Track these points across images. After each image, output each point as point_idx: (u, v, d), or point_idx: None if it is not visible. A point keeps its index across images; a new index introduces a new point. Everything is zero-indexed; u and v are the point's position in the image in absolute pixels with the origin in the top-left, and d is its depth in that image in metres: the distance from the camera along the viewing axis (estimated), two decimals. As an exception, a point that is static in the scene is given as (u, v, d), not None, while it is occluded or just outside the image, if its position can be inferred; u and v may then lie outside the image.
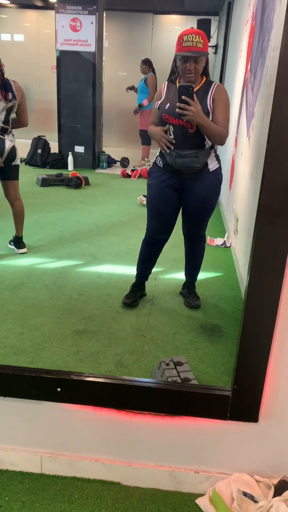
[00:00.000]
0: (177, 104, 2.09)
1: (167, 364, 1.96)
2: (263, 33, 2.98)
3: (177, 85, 2.25)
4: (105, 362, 2.14)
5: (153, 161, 2.48)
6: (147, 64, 6.85)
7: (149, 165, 7.25)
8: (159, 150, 2.40)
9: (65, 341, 2.28)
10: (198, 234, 2.60)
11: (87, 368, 2.08)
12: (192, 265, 2.71)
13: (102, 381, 1.36)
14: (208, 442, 1.41)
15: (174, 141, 2.24)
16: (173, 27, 8.56)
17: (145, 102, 6.83)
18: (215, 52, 8.16)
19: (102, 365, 2.11)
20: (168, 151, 2.26)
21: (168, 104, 2.24)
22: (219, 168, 2.41)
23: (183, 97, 2.08)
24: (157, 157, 2.44)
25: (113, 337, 2.35)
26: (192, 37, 2.10)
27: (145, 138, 6.93)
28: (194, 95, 2.09)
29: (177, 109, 2.10)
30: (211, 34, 7.74)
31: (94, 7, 6.17)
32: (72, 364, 2.11)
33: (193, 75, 2.17)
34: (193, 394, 1.35)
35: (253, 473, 1.42)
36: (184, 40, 2.11)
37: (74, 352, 2.20)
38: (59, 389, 1.35)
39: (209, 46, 7.83)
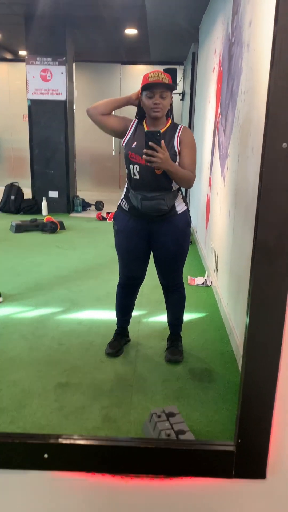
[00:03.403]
0: (144, 150, 2.03)
1: (159, 416, 1.84)
2: (231, 78, 3.08)
3: (144, 125, 2.23)
4: (91, 417, 1.99)
5: (118, 204, 2.38)
6: None
7: None
8: (124, 194, 2.32)
9: (47, 397, 2.13)
10: (174, 281, 2.46)
11: (73, 425, 1.93)
12: (173, 315, 2.56)
13: (94, 443, 1.23)
14: (213, 504, 1.28)
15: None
16: (140, 76, 8.82)
17: None
18: (182, 99, 8.48)
19: (88, 420, 1.97)
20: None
21: (136, 143, 2.17)
22: (187, 210, 2.34)
23: (150, 143, 2.01)
24: (121, 200, 2.34)
25: (98, 389, 2.21)
26: (158, 73, 2.12)
27: None
28: (162, 141, 2.03)
29: (143, 156, 2.04)
30: (178, 82, 8.06)
31: (64, 58, 6.35)
32: (56, 421, 1.95)
33: (160, 110, 2.14)
34: (194, 451, 1.23)
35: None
36: (150, 76, 2.11)
37: (58, 408, 2.04)
38: (46, 456, 1.21)
39: (176, 93, 8.18)
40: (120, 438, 1.63)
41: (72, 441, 1.23)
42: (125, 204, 2.32)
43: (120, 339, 2.60)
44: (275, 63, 0.95)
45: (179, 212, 2.29)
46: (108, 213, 6.44)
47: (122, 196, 2.35)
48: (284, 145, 1.00)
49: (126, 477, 1.26)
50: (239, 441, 1.20)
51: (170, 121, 2.25)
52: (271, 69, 0.96)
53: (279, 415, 1.20)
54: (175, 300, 2.50)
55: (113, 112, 2.28)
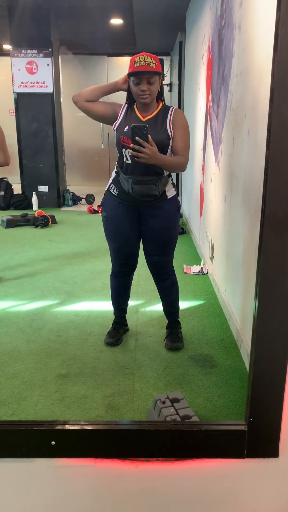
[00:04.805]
0: (131, 145, 1.97)
1: (163, 402, 1.81)
2: (223, 62, 3.04)
3: (135, 109, 2.18)
4: (94, 406, 1.96)
5: (106, 189, 2.32)
6: None
7: None
8: (113, 178, 2.27)
9: (48, 388, 2.09)
10: (164, 268, 2.40)
11: (75, 415, 1.90)
12: (168, 303, 2.51)
13: (103, 428, 1.20)
14: (225, 486, 1.26)
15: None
16: (127, 68, 8.78)
17: None
18: (170, 90, 8.42)
19: (91, 410, 1.93)
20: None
21: (128, 127, 2.11)
22: (177, 195, 2.32)
23: (136, 138, 1.95)
24: (110, 185, 2.28)
25: (100, 378, 2.17)
26: (144, 57, 2.04)
27: None
28: (149, 136, 1.97)
29: (130, 151, 1.99)
30: (165, 73, 7.99)
31: (50, 50, 6.25)
32: (58, 412, 1.91)
33: (148, 96, 2.09)
34: (205, 432, 1.21)
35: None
36: (136, 61, 2.04)
37: (59, 399, 2.01)
38: (53, 443, 1.18)
39: (164, 85, 8.11)
40: (129, 421, 1.60)
41: (79, 427, 1.20)
42: (114, 189, 2.26)
43: (118, 328, 2.56)
44: (281, 24, 0.92)
45: (169, 197, 2.26)
46: (99, 205, 6.36)
47: (111, 181, 2.29)
48: (292, 111, 0.97)
49: (135, 461, 1.23)
50: (251, 419, 1.18)
51: (161, 104, 2.20)
52: (277, 31, 0.92)
53: (290, 392, 1.18)
54: (167, 287, 2.45)
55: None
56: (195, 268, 3.66)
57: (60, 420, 1.23)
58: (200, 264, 3.76)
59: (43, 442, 1.19)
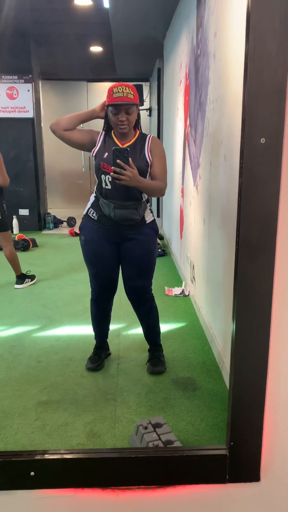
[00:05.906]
0: (112, 168, 2.01)
1: (145, 428, 1.79)
2: (199, 89, 3.13)
3: (113, 136, 2.22)
4: (75, 434, 1.92)
5: (84, 213, 2.31)
6: None
7: None
8: (91, 202, 2.29)
9: (28, 415, 2.05)
10: (143, 293, 2.40)
11: (56, 443, 1.86)
12: (148, 328, 2.50)
13: (83, 456, 1.18)
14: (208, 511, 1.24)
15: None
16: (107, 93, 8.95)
17: None
18: (150, 115, 8.59)
19: (72, 438, 1.90)
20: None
21: (107, 153, 2.15)
22: (155, 220, 2.35)
23: (118, 161, 1.99)
24: (89, 209, 2.29)
25: (81, 404, 2.14)
26: (122, 88, 2.08)
27: None
28: (130, 159, 2.01)
29: (111, 173, 2.02)
30: (144, 98, 8.18)
31: (30, 75, 6.34)
32: (38, 440, 1.87)
33: (126, 126, 2.13)
34: (186, 458, 1.20)
35: None
36: (115, 92, 2.08)
37: (40, 427, 1.97)
38: (32, 473, 1.15)
39: (143, 109, 8.27)
40: (109, 449, 1.57)
41: (59, 456, 1.18)
42: (93, 213, 2.27)
43: (100, 353, 2.54)
44: (250, 58, 0.96)
45: (147, 222, 2.29)
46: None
47: (89, 205, 2.29)
48: (262, 140, 1.01)
49: (117, 490, 1.21)
50: (232, 443, 1.18)
51: (138, 132, 2.25)
52: (247, 65, 0.97)
53: (270, 415, 1.19)
54: (146, 312, 2.44)
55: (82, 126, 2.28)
56: (177, 290, 3.68)
57: (39, 450, 1.20)
58: (181, 286, 3.78)
59: (22, 473, 1.16)
